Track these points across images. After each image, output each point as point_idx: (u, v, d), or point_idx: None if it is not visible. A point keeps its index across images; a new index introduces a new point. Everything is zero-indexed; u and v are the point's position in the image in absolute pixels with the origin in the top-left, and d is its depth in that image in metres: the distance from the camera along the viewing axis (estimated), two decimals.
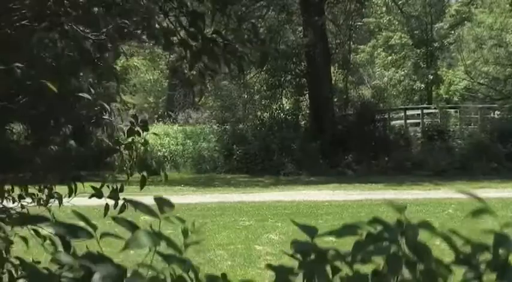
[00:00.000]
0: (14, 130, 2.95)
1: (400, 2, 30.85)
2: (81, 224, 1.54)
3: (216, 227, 10.82)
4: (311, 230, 1.53)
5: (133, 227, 1.47)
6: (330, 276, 1.46)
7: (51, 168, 2.72)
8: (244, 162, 22.82)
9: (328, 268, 1.46)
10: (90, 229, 1.51)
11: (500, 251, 1.47)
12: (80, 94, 2.42)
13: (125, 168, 2.81)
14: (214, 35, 2.52)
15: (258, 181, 20.18)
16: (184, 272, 1.44)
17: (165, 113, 32.29)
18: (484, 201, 1.61)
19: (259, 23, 24.25)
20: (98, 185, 2.86)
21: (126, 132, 2.79)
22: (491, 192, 15.53)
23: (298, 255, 1.49)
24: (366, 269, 1.44)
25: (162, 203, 1.55)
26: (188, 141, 25.02)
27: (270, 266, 1.51)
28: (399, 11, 31.11)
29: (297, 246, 1.50)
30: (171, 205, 1.54)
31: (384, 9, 32.97)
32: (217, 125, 25.47)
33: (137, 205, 1.53)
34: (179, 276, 1.41)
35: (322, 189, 17.16)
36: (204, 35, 2.49)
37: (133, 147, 2.77)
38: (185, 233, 1.59)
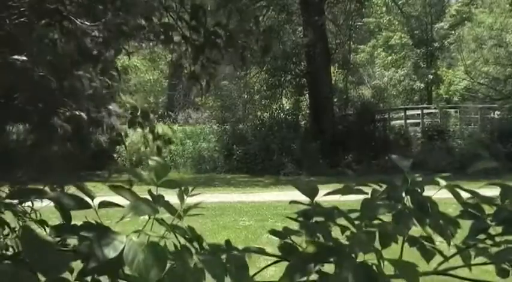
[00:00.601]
0: (13, 130, 2.94)
1: (400, 2, 30.85)
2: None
3: (216, 227, 10.81)
4: (312, 191, 1.53)
5: (132, 195, 1.44)
6: (340, 234, 1.45)
7: (50, 168, 2.72)
8: (244, 162, 22.80)
9: (335, 228, 1.46)
10: (88, 199, 1.49)
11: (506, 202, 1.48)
12: (80, 72, 2.40)
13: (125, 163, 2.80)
14: (216, 28, 2.51)
15: (258, 181, 20.17)
16: (187, 241, 1.42)
17: (165, 113, 32.29)
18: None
19: (259, 22, 24.22)
20: (97, 184, 2.84)
21: (127, 122, 2.77)
22: (491, 192, 15.53)
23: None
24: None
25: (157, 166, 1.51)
26: (188, 141, 25.00)
27: (273, 232, 1.51)
28: (399, 11, 31.11)
29: (301, 212, 1.49)
30: (166, 168, 1.50)
31: (384, 9, 32.96)
32: (217, 125, 25.46)
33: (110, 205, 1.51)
34: (183, 246, 1.40)
35: (322, 189, 17.06)
36: (206, 28, 2.48)
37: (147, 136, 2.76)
38: (181, 196, 1.57)
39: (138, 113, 2.70)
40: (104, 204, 1.50)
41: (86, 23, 2.37)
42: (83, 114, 2.42)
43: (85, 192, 1.52)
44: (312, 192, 1.53)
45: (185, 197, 1.58)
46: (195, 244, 1.44)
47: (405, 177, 1.50)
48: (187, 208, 1.53)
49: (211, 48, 2.52)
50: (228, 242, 1.48)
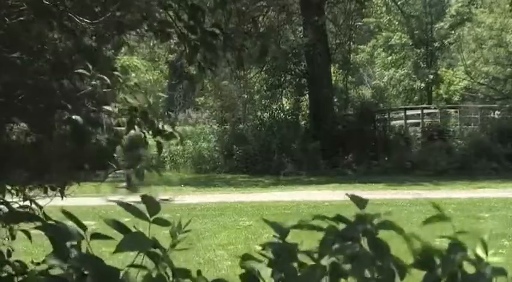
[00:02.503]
0: (13, 129, 2.94)
1: (400, 2, 30.84)
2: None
3: (216, 227, 10.81)
4: (282, 229, 1.58)
5: (123, 229, 1.50)
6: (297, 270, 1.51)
7: (50, 168, 2.72)
8: (244, 162, 22.80)
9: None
10: (80, 230, 1.53)
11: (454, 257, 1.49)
12: (80, 71, 2.39)
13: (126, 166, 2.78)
14: (213, 29, 2.50)
15: (258, 181, 20.16)
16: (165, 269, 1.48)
17: (165, 113, 32.27)
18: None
19: (259, 22, 24.22)
20: (97, 184, 2.84)
21: (126, 123, 2.75)
22: (491, 192, 15.52)
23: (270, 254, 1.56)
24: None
25: (150, 202, 1.58)
26: (188, 141, 25.00)
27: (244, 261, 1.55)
28: (399, 11, 31.10)
29: (268, 245, 1.56)
30: (158, 206, 1.58)
31: (384, 9, 32.95)
32: (217, 125, 25.46)
33: (128, 207, 1.55)
34: (158, 275, 1.46)
35: (322, 189, 17.14)
36: (203, 28, 2.47)
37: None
38: (173, 234, 1.62)
39: (137, 113, 2.68)
40: (96, 237, 1.54)
41: (85, 20, 2.37)
42: (79, 118, 2.41)
43: (77, 222, 1.55)
44: (283, 232, 1.58)
45: (178, 234, 1.64)
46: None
47: (361, 217, 1.53)
48: (176, 242, 1.60)
49: (208, 50, 2.51)
50: (199, 272, 1.56)
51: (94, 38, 2.47)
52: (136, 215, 1.52)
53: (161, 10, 2.61)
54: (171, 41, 2.62)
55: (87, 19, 2.38)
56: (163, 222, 1.58)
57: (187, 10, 2.49)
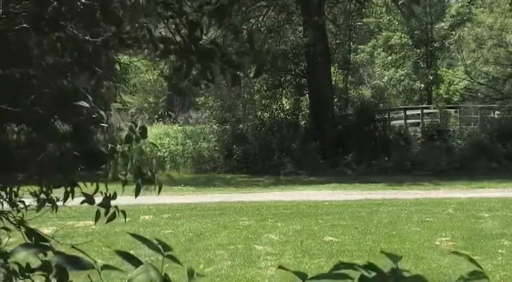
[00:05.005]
0: (13, 130, 2.94)
1: (400, 2, 30.82)
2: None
3: (216, 227, 10.81)
4: (302, 275, 1.52)
5: (135, 261, 1.47)
6: None
7: (49, 170, 2.72)
8: (244, 162, 22.81)
9: None
10: (90, 260, 1.49)
11: None
12: (78, 103, 2.40)
13: (120, 176, 2.76)
14: (210, 46, 2.48)
15: (258, 181, 20.17)
16: None
17: (165, 113, 32.29)
18: None
19: (259, 22, 24.24)
20: (95, 186, 2.82)
21: (124, 137, 2.74)
22: (491, 192, 15.52)
23: None
24: None
25: None
26: (188, 141, 25.02)
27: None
28: (399, 11, 31.09)
29: None
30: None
31: (384, 9, 32.93)
32: (217, 125, 25.48)
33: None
34: None
35: (322, 189, 17.15)
36: (198, 46, 2.46)
37: (129, 155, 2.73)
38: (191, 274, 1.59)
39: (137, 129, 2.66)
40: (106, 268, 1.51)
41: (85, 34, 2.37)
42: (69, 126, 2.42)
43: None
44: (302, 276, 1.56)
45: None
46: None
47: (394, 270, 1.49)
48: None
49: (203, 68, 2.49)
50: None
51: (94, 48, 2.46)
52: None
53: (160, 26, 2.60)
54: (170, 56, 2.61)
55: (88, 31, 2.38)
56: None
57: (187, 25, 2.48)
